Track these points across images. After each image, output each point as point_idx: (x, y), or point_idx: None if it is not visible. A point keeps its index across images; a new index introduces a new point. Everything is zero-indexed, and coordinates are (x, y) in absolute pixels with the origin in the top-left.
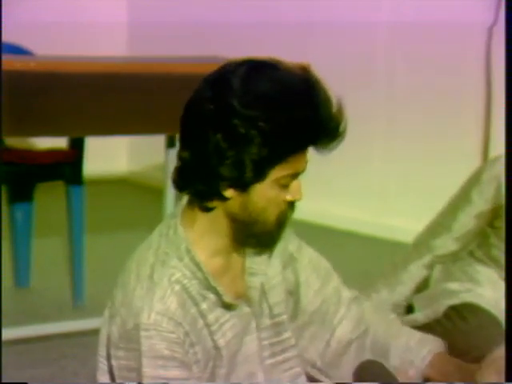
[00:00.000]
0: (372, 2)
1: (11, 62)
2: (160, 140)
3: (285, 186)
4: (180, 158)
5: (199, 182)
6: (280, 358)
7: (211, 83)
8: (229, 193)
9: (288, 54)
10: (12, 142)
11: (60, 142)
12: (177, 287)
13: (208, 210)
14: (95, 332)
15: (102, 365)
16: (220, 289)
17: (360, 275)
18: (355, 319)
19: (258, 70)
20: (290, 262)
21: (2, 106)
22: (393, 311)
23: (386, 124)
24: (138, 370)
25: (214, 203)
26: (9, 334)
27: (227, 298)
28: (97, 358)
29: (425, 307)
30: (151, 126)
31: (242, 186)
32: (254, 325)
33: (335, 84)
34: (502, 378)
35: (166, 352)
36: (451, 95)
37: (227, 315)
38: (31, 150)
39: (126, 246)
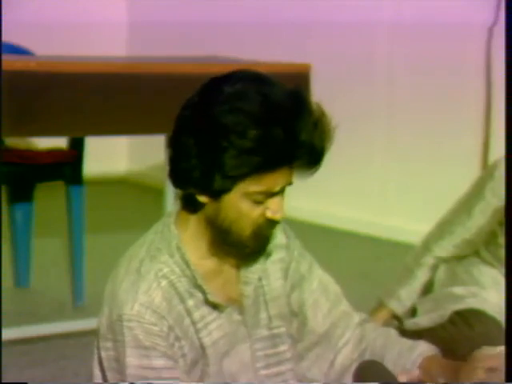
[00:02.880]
0: (372, 2)
1: (11, 62)
2: (160, 140)
3: (259, 202)
4: (168, 155)
5: (177, 182)
6: (275, 370)
7: (201, 89)
8: (203, 198)
9: (288, 54)
10: (12, 142)
11: (60, 142)
12: (163, 282)
13: (193, 211)
14: (95, 332)
15: (96, 357)
16: (206, 287)
17: (359, 275)
18: (357, 340)
19: (247, 83)
20: (299, 282)
21: (2, 106)
22: (404, 315)
23: (386, 124)
24: (123, 360)
25: (194, 206)
26: (9, 333)
27: (212, 298)
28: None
29: (429, 311)
30: (151, 126)
31: (211, 194)
32: (245, 333)
33: (335, 84)
34: (491, 377)
35: (148, 343)
36: (451, 95)
37: (214, 314)
38: (31, 150)
39: (126, 245)
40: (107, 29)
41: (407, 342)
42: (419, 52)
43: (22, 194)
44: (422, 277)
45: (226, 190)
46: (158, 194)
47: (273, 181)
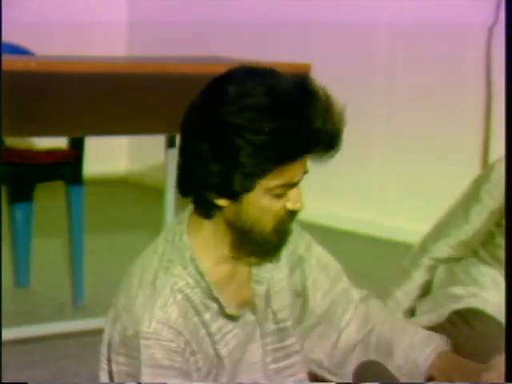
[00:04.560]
0: (372, 2)
1: (11, 62)
2: (160, 140)
3: (279, 196)
4: (177, 163)
5: (193, 189)
6: (283, 363)
7: (204, 90)
8: (221, 201)
9: (288, 54)
10: (12, 142)
11: (60, 142)
12: (179, 296)
13: (209, 216)
14: (95, 332)
15: (103, 364)
16: (223, 300)
17: (360, 275)
18: (362, 319)
19: (252, 78)
20: (298, 263)
21: (2, 106)
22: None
23: (386, 124)
24: (137, 377)
25: (211, 211)
26: (9, 334)
27: (230, 311)
28: (99, 358)
29: (428, 311)
30: (151, 125)
31: (231, 196)
32: (258, 333)
33: (335, 84)
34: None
35: (166, 362)
36: (451, 95)
37: (230, 325)
38: (31, 150)
39: (126, 246)
40: (107, 29)
41: (418, 332)
42: (419, 52)
43: (22, 194)
44: (418, 278)
45: (248, 189)
46: (158, 194)
47: (293, 172)
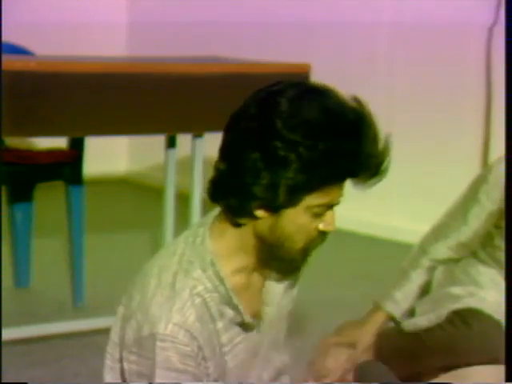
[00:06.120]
0: (372, 2)
1: (11, 62)
2: (160, 140)
3: (317, 215)
4: (217, 168)
5: (232, 197)
6: (276, 381)
7: (258, 100)
8: (260, 213)
9: (288, 54)
10: (12, 141)
11: (60, 142)
12: (197, 300)
13: (238, 225)
14: (95, 332)
15: (109, 361)
16: (241, 308)
17: (360, 275)
18: None
19: (309, 95)
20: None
21: (2, 106)
22: (401, 317)
23: (386, 124)
24: (150, 378)
25: (245, 220)
26: (9, 334)
27: (247, 319)
28: (105, 355)
29: (427, 312)
30: (151, 125)
31: (274, 208)
32: (259, 349)
33: (335, 84)
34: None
35: (180, 365)
36: (451, 95)
37: (241, 336)
38: (31, 150)
39: (126, 246)
40: (107, 29)
41: None
42: (419, 52)
43: (21, 194)
44: (417, 279)
45: (293, 203)
46: (158, 194)
47: (336, 193)
